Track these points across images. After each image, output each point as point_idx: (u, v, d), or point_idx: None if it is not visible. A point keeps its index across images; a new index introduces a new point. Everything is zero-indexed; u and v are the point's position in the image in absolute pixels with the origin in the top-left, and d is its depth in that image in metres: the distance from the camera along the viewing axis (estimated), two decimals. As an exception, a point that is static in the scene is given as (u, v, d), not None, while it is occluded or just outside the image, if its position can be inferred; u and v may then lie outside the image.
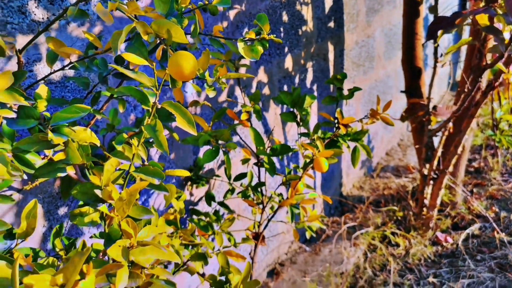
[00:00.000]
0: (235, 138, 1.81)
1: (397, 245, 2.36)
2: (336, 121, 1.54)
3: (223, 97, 1.72)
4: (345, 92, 2.59)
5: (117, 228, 0.81)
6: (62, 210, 1.25)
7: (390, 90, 3.31)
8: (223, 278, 1.00)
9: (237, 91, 1.80)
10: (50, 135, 0.67)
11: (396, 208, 2.62)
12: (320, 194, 1.52)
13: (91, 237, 0.85)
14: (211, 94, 0.93)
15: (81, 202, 0.94)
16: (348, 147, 1.54)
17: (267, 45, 0.95)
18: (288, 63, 2.09)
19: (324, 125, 1.59)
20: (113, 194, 0.81)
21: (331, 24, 2.40)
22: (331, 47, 2.43)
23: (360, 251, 2.33)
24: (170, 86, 0.75)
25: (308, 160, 1.45)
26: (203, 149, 1.67)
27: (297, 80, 2.18)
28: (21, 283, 0.49)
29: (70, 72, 1.18)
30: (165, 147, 0.75)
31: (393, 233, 2.43)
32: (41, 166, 0.80)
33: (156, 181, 0.82)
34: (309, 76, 2.28)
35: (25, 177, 0.69)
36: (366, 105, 2.96)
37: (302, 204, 1.48)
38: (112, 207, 0.81)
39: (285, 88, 2.09)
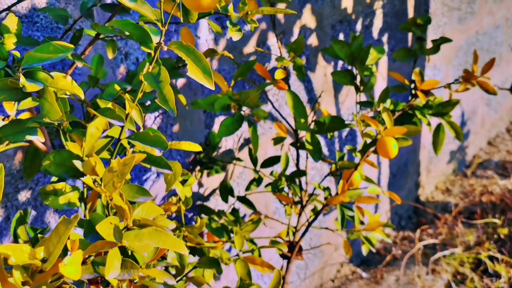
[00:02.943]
0: (266, 108, 1.88)
1: (497, 275, 2.41)
2: (412, 85, 1.59)
3: (250, 46, 1.79)
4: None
5: (102, 214, 0.90)
6: (24, 195, 1.35)
7: (498, 47, 3.31)
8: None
9: (271, 40, 1.87)
10: (23, 80, 0.75)
11: (498, 222, 2.65)
12: (387, 192, 1.58)
13: (67, 224, 0.94)
14: (236, 36, 1.00)
15: (53, 179, 1.03)
16: (429, 124, 1.59)
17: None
18: (347, 1, 2.14)
19: (396, 90, 1.64)
20: (97, 168, 0.90)
21: None
22: (411, -20, 2.47)
23: (442, 281, 2.38)
24: (181, 20, 0.82)
25: (369, 141, 1.50)
26: (220, 120, 1.75)
27: (359, 26, 2.23)
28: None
29: (41, 3, 1.27)
30: (171, 103, 0.83)
31: (491, 258, 2.47)
32: (5, 125, 0.89)
33: (156, 152, 0.90)
34: (377, 21, 2.33)
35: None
36: (460, 68, 2.98)
37: (357, 204, 1.54)
38: (96, 183, 0.89)
39: (341, 38, 2.15)
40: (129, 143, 0.95)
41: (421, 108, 1.60)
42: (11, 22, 0.86)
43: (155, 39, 0.88)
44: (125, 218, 0.71)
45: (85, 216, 0.92)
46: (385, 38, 2.39)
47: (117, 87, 0.86)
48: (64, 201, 0.90)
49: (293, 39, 1.95)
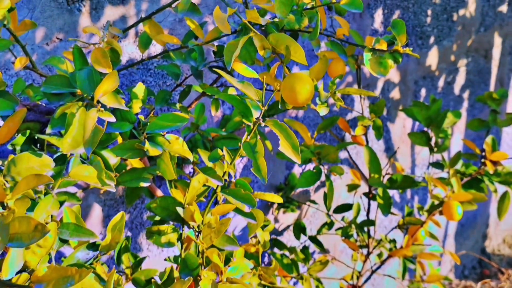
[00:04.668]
0: (343, 154, 2.01)
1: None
2: (483, 153, 1.69)
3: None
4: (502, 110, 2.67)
5: (194, 255, 1.06)
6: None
7: None
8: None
9: (355, 92, 2.00)
10: (147, 145, 0.92)
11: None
12: (447, 250, 1.68)
13: (165, 259, 1.11)
14: (323, 111, 1.14)
15: (157, 218, 1.20)
16: (495, 191, 1.69)
17: (400, 59, 1.15)
18: (432, 58, 2.25)
19: (467, 157, 1.74)
20: (195, 215, 1.06)
21: (503, 8, 2.51)
22: (497, 40, 2.55)
23: (498, 335, 2.43)
24: (280, 107, 0.98)
25: (436, 202, 1.62)
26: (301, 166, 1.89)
27: (441, 83, 2.33)
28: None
29: (157, 51, 1.45)
30: (263, 173, 0.98)
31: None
32: (124, 173, 1.07)
33: (246, 208, 1.05)
34: (460, 78, 2.42)
35: (113, 187, 0.95)
36: (541, 127, 3.01)
37: (419, 259, 1.65)
38: (195, 231, 1.06)
39: (423, 93, 2.26)
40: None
41: (489, 175, 1.69)
42: (140, 89, 1.04)
43: (255, 114, 1.03)
44: (219, 273, 0.86)
45: (180, 254, 1.08)
46: (466, 94, 2.47)
47: (220, 152, 1.01)
48: (165, 240, 1.07)
49: (376, 91, 2.07)
